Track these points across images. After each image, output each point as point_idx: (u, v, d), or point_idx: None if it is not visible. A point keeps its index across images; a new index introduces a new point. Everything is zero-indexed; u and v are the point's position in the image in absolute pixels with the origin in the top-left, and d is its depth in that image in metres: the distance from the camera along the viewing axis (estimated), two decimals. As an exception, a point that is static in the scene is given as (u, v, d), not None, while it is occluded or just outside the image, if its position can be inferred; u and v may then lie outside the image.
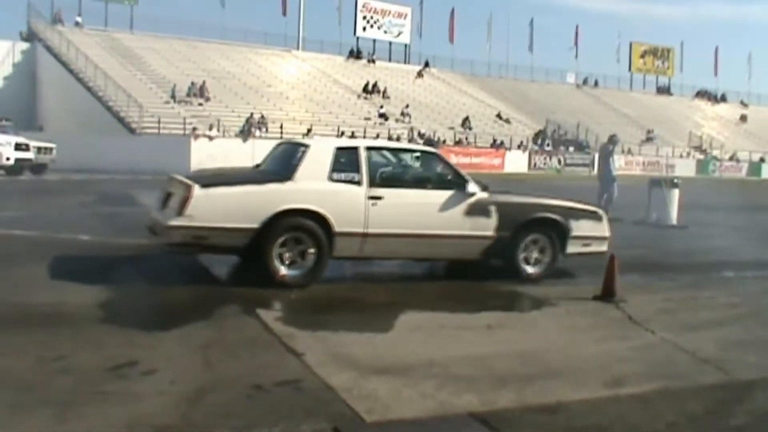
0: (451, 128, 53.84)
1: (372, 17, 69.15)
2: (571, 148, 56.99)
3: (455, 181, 10.24)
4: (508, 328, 8.02)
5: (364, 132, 46.72)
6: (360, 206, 9.53)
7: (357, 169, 9.67)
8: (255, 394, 5.55)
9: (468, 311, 8.59)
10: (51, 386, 5.52)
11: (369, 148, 10.14)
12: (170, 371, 5.97)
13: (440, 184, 10.25)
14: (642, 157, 58.42)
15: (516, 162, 50.60)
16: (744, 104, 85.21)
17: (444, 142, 47.71)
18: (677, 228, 18.00)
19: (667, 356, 7.24)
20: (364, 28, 68.79)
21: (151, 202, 10.70)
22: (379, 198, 9.60)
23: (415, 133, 48.93)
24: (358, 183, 9.62)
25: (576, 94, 75.71)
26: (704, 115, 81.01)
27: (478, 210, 10.11)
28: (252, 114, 43.02)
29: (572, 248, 10.73)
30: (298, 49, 64.25)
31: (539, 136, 56.89)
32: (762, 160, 66.13)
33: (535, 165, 51.46)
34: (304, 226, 9.27)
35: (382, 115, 52.38)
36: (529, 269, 10.44)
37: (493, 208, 10.18)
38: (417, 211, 9.90)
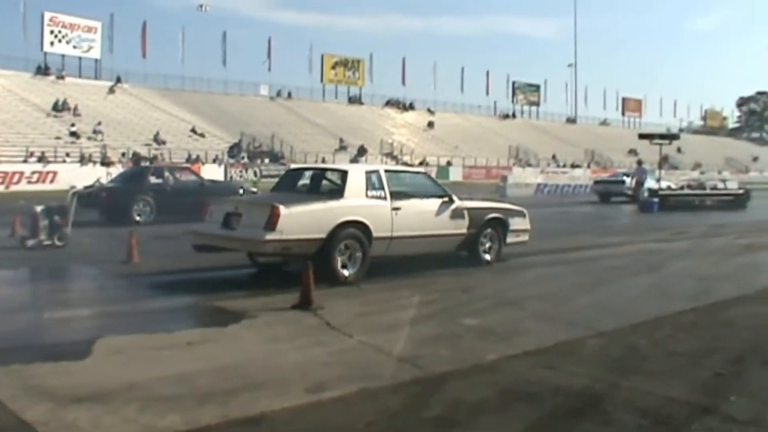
0: (147, 144, 52.87)
1: (60, 32, 66.36)
2: (267, 160, 57.55)
3: (441, 193, 13.37)
4: (209, 344, 7.98)
5: (55, 152, 44.98)
6: (388, 216, 12.14)
7: (382, 187, 12.28)
8: (-60, 440, 5.22)
9: (168, 330, 8.48)
10: None
11: (386, 171, 12.88)
12: None
13: (432, 195, 13.25)
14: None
15: (212, 176, 49.63)
16: (431, 111, 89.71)
17: (140, 160, 46.67)
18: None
19: (366, 358, 7.52)
20: (52, 43, 65.89)
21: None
22: (398, 209, 12.29)
23: (108, 151, 47.55)
24: (384, 198, 12.22)
25: (270, 105, 76.71)
26: (394, 123, 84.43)
27: (457, 214, 13.28)
28: (-69, 138, 40.16)
29: (510, 239, 14.29)
30: (-20, 65, 60.58)
31: (234, 149, 56.98)
32: (449, 163, 69.84)
33: (231, 178, 50.12)
34: (355, 234, 11.61)
35: (73, 134, 50.59)
36: (487, 257, 13.88)
37: (465, 212, 13.39)
38: (423, 217, 12.79)
